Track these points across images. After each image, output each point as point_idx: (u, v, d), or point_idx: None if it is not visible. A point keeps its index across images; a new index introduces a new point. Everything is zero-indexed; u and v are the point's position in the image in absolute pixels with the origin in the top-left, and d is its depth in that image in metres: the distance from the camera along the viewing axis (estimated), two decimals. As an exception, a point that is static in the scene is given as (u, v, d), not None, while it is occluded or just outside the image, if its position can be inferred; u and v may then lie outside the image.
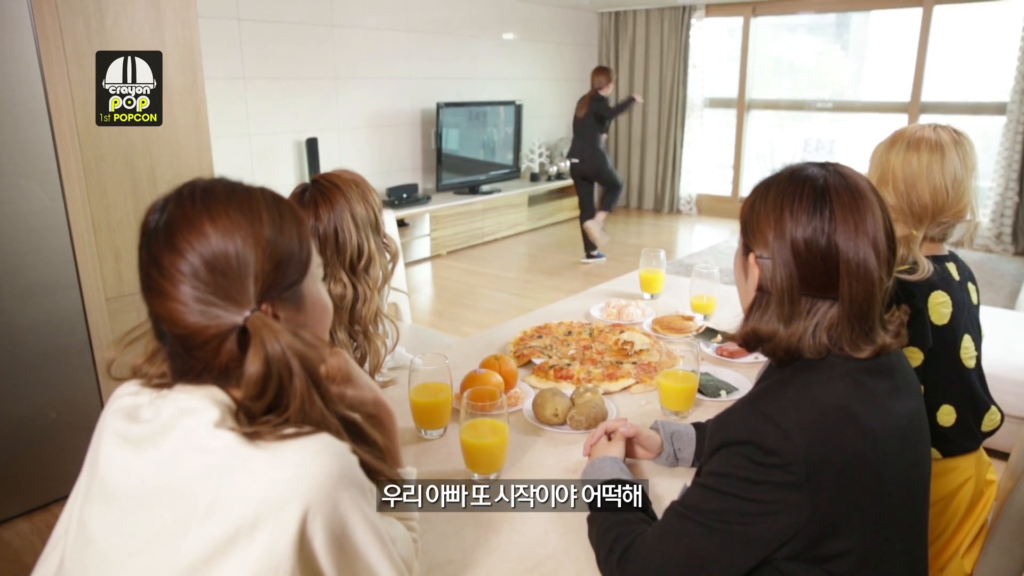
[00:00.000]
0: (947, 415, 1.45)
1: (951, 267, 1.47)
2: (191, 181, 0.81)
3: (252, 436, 0.74)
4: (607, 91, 5.60)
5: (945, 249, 1.51)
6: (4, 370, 2.28)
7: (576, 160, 5.69)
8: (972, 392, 1.47)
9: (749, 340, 1.01)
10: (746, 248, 1.02)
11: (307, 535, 0.73)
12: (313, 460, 0.73)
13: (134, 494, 0.76)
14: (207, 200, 0.77)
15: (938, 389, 1.43)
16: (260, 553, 0.71)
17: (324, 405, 0.78)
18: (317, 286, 0.85)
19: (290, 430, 0.75)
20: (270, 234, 0.77)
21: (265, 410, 0.76)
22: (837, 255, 0.93)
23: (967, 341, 1.46)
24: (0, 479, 2.34)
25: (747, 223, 1.02)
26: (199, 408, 0.76)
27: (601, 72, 5.62)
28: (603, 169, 5.69)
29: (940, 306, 1.40)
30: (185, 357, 0.78)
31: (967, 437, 1.47)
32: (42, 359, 2.35)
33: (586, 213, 5.80)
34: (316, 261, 0.85)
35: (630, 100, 5.85)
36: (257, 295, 0.76)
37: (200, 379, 0.78)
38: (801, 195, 0.95)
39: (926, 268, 1.39)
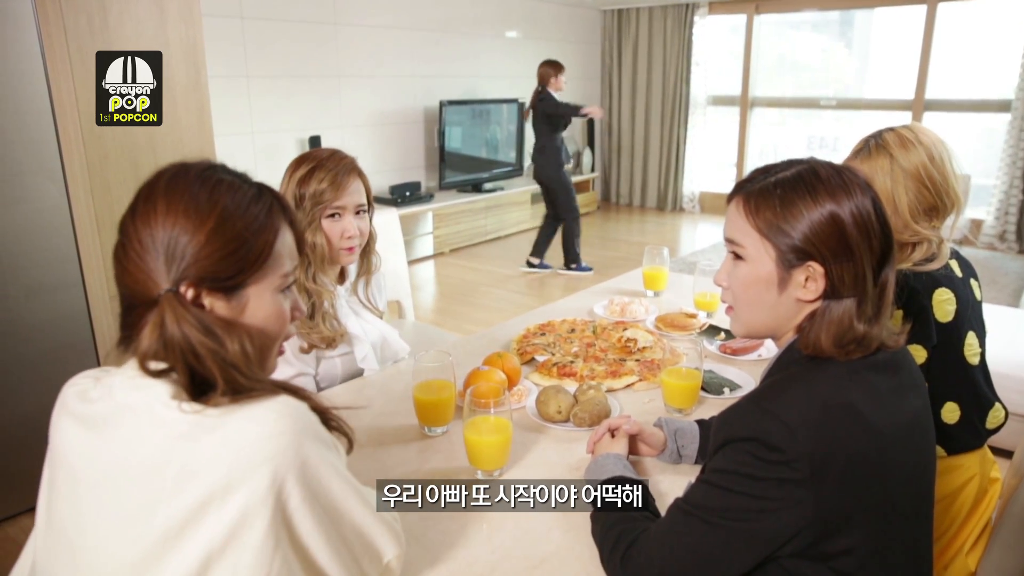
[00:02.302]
0: (951, 412, 1.45)
1: (953, 264, 1.47)
2: (185, 161, 0.84)
3: (210, 403, 0.75)
4: (555, 87, 5.10)
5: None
6: (8, 369, 2.29)
7: (533, 165, 5.34)
8: (976, 389, 1.47)
9: (847, 344, 0.95)
10: (786, 260, 0.96)
11: (282, 497, 0.74)
12: (275, 420, 0.74)
13: (100, 476, 0.77)
14: (174, 179, 0.81)
15: (942, 386, 1.43)
16: (233, 517, 0.72)
17: (253, 376, 0.79)
18: (269, 295, 0.84)
19: (247, 397, 0.76)
20: (216, 222, 0.79)
21: (189, 380, 0.77)
22: (890, 229, 0.95)
23: (971, 338, 1.45)
24: (5, 476, 2.35)
25: (790, 231, 0.94)
26: (149, 383, 0.77)
27: (547, 65, 5.09)
28: (552, 176, 5.18)
29: (944, 303, 1.40)
30: (126, 320, 0.81)
31: (971, 434, 1.47)
32: (46, 357, 2.35)
33: (548, 216, 5.37)
34: (279, 270, 0.85)
35: (581, 112, 5.40)
36: (178, 275, 0.78)
37: (129, 347, 0.81)
38: (851, 184, 0.94)
39: (945, 256, 1.42)
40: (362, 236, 1.71)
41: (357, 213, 1.68)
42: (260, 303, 0.84)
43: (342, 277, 1.79)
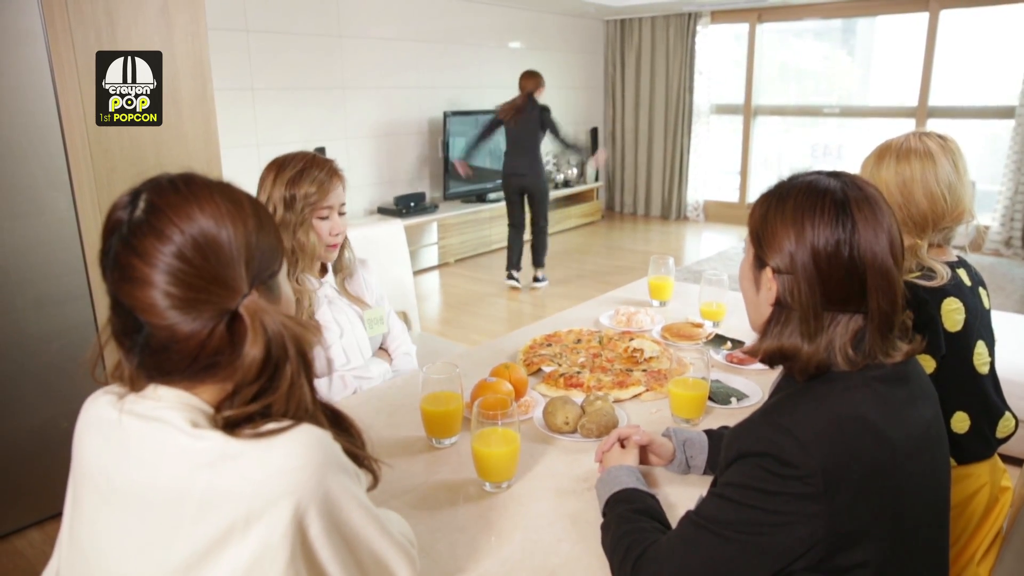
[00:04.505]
0: (961, 422, 1.44)
1: (962, 273, 1.47)
2: (162, 174, 0.80)
3: (233, 432, 0.74)
4: (541, 95, 5.16)
5: (954, 255, 1.51)
6: (16, 381, 2.30)
7: (516, 174, 5.16)
8: (986, 398, 1.46)
9: (773, 357, 0.99)
10: (759, 261, 1.01)
11: (303, 527, 0.73)
12: (300, 452, 0.74)
13: (123, 497, 0.77)
14: (191, 187, 0.76)
15: (952, 396, 1.42)
16: (254, 548, 0.72)
17: (310, 390, 0.79)
18: (284, 281, 0.87)
19: (271, 426, 0.75)
20: (254, 223, 0.78)
21: (252, 396, 0.75)
22: (863, 267, 0.93)
23: (980, 347, 1.45)
24: (12, 489, 2.36)
25: (760, 235, 1.00)
26: (172, 411, 0.76)
27: (532, 76, 5.13)
28: (546, 188, 5.21)
29: (953, 312, 1.39)
30: (161, 354, 0.74)
31: (982, 444, 1.46)
32: (53, 370, 2.36)
33: (520, 227, 5.31)
34: (283, 256, 0.86)
35: (586, 154, 5.52)
36: (250, 279, 0.76)
37: (172, 377, 0.77)
38: (822, 207, 0.93)
39: (943, 274, 1.38)
40: (343, 232, 1.84)
41: (340, 212, 1.81)
42: (282, 290, 0.85)
43: (323, 272, 1.90)
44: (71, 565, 0.83)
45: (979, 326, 1.44)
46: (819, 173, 0.99)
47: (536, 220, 5.31)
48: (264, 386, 0.76)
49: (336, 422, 0.85)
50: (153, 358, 0.76)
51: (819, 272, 0.93)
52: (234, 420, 0.75)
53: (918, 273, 1.40)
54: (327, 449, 0.76)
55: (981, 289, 1.51)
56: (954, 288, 1.40)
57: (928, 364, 1.39)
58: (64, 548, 0.84)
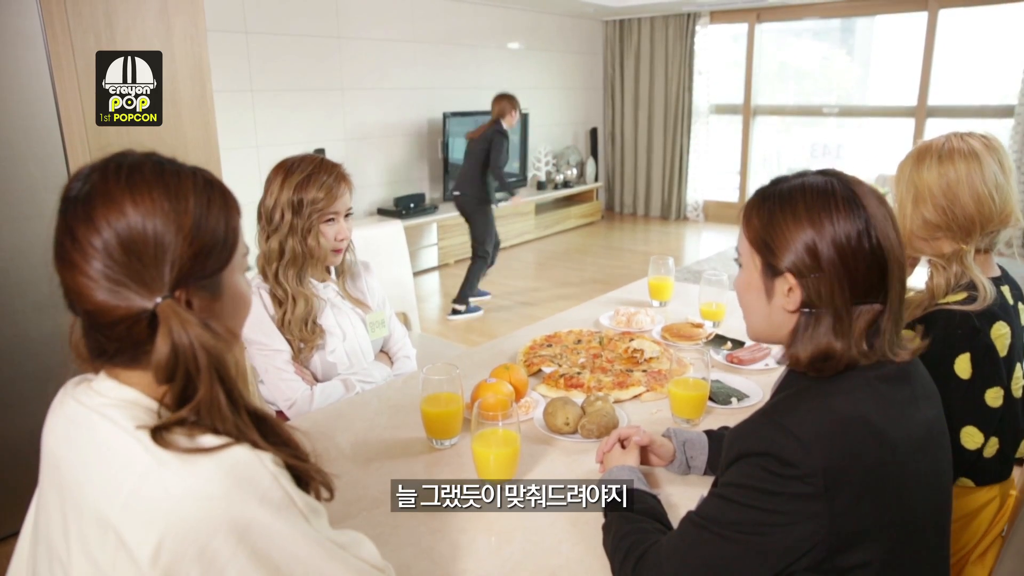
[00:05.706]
0: (991, 447, 1.37)
1: (1005, 291, 1.39)
2: (121, 153, 0.78)
3: (166, 444, 0.72)
4: (509, 123, 4.78)
5: (996, 268, 1.44)
6: (16, 383, 2.29)
7: (457, 192, 4.86)
8: (1016, 422, 1.40)
9: (815, 361, 0.96)
10: (771, 268, 0.98)
11: (218, 555, 0.70)
12: (219, 479, 0.71)
13: (66, 487, 0.76)
14: (132, 177, 0.74)
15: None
16: (163, 568, 0.69)
17: (230, 403, 0.76)
18: (237, 277, 0.83)
19: (204, 441, 0.72)
20: (193, 220, 0.75)
21: (179, 396, 0.74)
22: (883, 255, 0.93)
23: (1018, 370, 1.37)
24: (12, 491, 2.35)
25: (770, 242, 0.97)
26: (116, 409, 0.75)
27: (504, 99, 4.78)
28: (481, 210, 4.81)
29: (1003, 337, 1.32)
30: (95, 336, 0.76)
31: (1002, 466, 1.41)
32: (53, 373, 2.33)
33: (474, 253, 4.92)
34: (241, 252, 0.83)
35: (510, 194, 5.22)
36: (171, 282, 0.74)
37: (113, 361, 0.77)
38: (835, 202, 0.93)
39: (986, 291, 1.30)
40: (349, 237, 1.83)
41: (346, 216, 1.80)
42: (233, 290, 0.82)
43: (325, 275, 1.90)
44: (38, 555, 0.82)
45: (1019, 347, 1.37)
46: (806, 173, 0.99)
47: (472, 245, 4.90)
48: (183, 391, 0.74)
49: (271, 435, 0.80)
50: (89, 339, 0.77)
51: (845, 266, 0.92)
52: (164, 426, 0.73)
53: (963, 295, 1.32)
54: (250, 481, 0.73)
55: (1021, 305, 1.43)
56: (1000, 309, 1.33)
57: (999, 396, 1.32)
58: (33, 542, 0.84)
